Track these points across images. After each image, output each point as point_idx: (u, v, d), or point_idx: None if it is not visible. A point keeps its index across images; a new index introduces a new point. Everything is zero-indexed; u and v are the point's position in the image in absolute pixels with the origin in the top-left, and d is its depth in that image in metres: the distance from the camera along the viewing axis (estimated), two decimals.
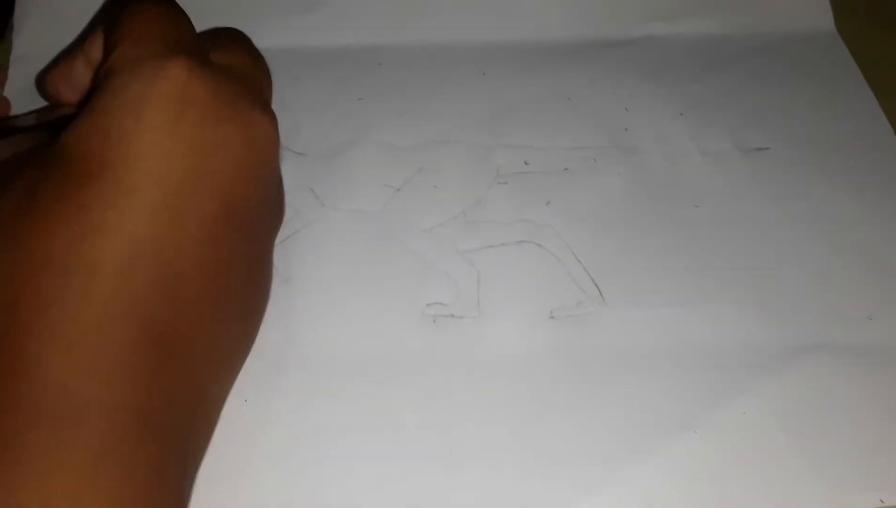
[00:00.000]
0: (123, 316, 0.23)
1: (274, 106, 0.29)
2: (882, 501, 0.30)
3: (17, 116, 0.26)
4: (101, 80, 0.26)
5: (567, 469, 0.30)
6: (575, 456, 0.31)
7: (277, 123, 0.28)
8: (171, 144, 0.24)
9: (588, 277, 0.36)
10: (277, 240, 0.31)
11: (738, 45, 0.47)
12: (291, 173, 0.35)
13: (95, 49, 0.29)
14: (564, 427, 0.32)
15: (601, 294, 0.35)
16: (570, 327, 0.34)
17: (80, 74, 0.30)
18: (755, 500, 0.30)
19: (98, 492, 0.21)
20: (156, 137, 0.24)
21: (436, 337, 0.34)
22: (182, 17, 0.28)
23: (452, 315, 0.34)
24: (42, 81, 0.32)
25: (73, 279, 0.22)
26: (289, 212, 0.32)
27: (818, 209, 0.40)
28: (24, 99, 0.41)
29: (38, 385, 0.21)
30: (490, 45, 0.46)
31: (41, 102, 0.40)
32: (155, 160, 0.24)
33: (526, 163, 0.41)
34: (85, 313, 0.22)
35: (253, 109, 0.27)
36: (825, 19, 0.48)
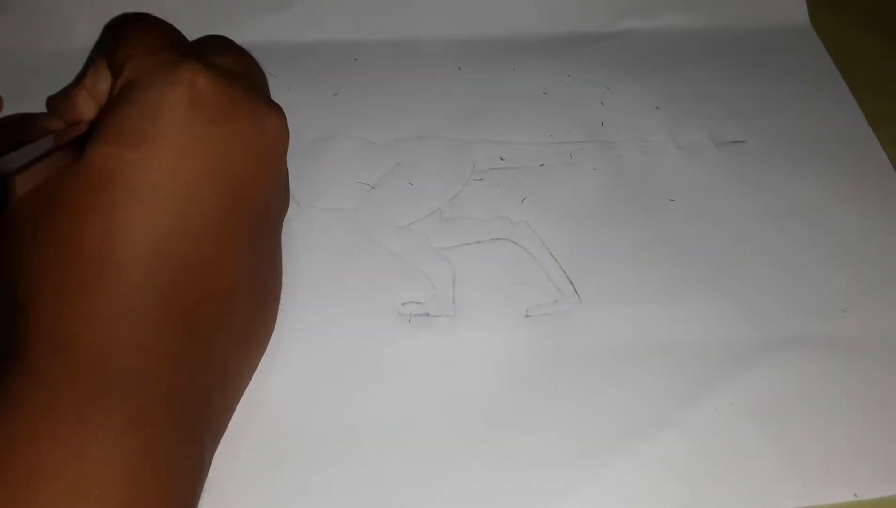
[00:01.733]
0: (150, 301, 0.26)
1: None
2: (855, 495, 0.30)
3: (35, 141, 0.28)
4: (118, 92, 0.27)
5: (543, 469, 0.30)
6: (551, 455, 0.31)
7: (286, 117, 0.30)
8: (188, 143, 0.27)
9: (563, 275, 0.36)
10: None
11: (714, 40, 0.47)
12: None
13: (99, 79, 0.31)
14: (540, 427, 0.32)
15: (576, 292, 0.35)
16: (545, 326, 0.34)
17: (83, 104, 0.31)
18: (730, 496, 0.30)
19: (131, 451, 0.24)
20: (173, 138, 0.26)
21: (411, 337, 0.34)
22: (176, 31, 0.30)
23: (428, 314, 0.34)
24: (49, 106, 0.34)
25: (105, 270, 0.25)
26: None
27: (793, 202, 0.40)
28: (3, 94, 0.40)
29: (75, 358, 0.24)
30: (466, 40, 0.46)
31: (23, 99, 0.40)
32: (173, 159, 0.26)
33: (502, 159, 0.40)
34: (116, 297, 0.25)
35: (262, 105, 0.29)
36: (800, 14, 0.49)
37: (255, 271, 0.30)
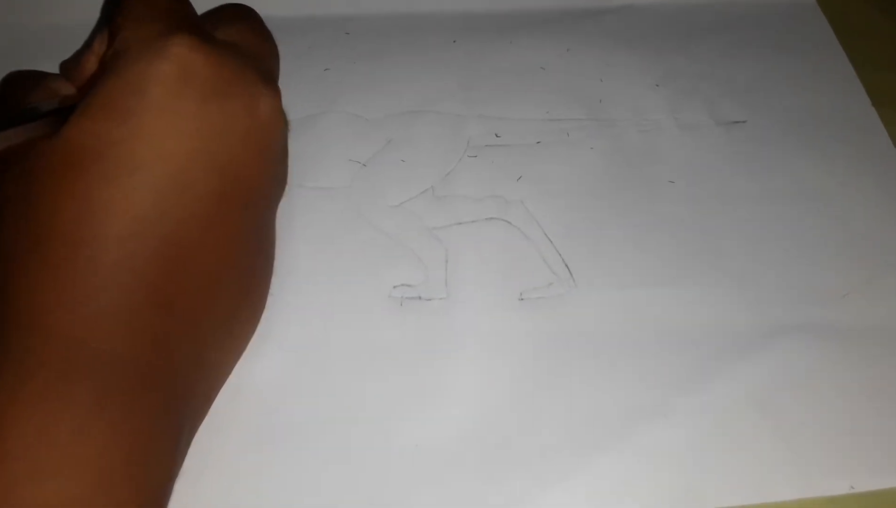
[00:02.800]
0: (128, 282, 0.25)
1: None
2: (852, 487, 0.30)
3: (40, 103, 0.27)
4: (105, 63, 0.26)
5: (538, 456, 0.30)
6: (546, 443, 0.30)
7: (281, 97, 0.29)
8: (175, 121, 0.25)
9: (559, 257, 0.35)
10: None
11: (717, 16, 0.46)
12: None
13: (104, 43, 0.29)
14: (534, 413, 0.31)
15: (572, 275, 0.35)
16: (539, 309, 0.34)
17: (90, 68, 0.30)
18: (726, 486, 0.30)
19: (97, 435, 0.23)
20: (159, 115, 0.25)
21: (402, 321, 0.33)
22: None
23: (420, 297, 0.34)
24: (62, 70, 0.32)
25: (80, 250, 0.24)
26: None
27: (795, 184, 0.39)
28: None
29: (45, 337, 0.24)
30: (461, 14, 0.45)
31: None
32: (158, 138, 0.25)
33: (497, 135, 0.40)
34: (91, 278, 0.24)
35: (256, 84, 0.28)
36: None
37: (244, 255, 0.29)
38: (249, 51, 0.29)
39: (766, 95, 0.42)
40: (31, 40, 0.41)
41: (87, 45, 0.31)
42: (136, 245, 0.25)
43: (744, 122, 0.41)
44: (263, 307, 0.31)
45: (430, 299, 0.34)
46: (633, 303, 0.34)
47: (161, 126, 0.25)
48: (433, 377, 0.32)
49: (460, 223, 0.36)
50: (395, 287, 0.34)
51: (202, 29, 0.28)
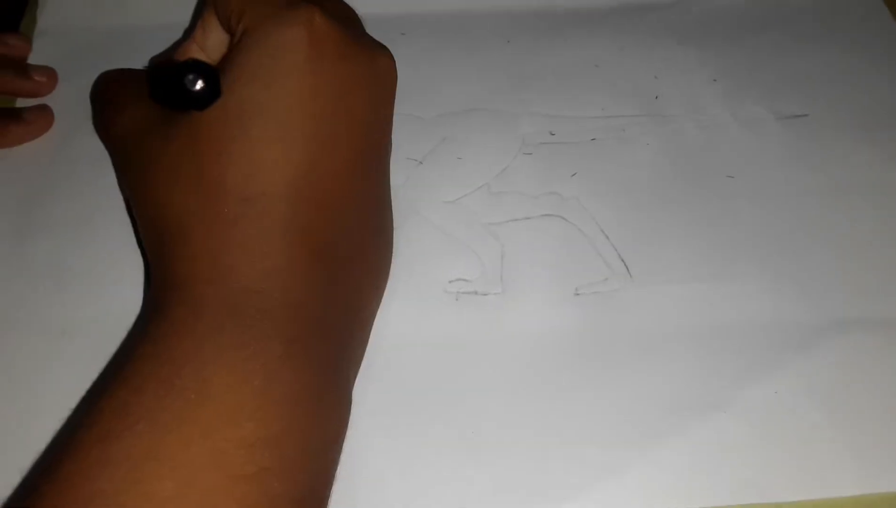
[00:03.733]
0: (294, 234, 0.27)
1: None
2: None
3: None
4: (238, 39, 0.28)
5: (592, 449, 0.30)
6: (600, 436, 0.30)
7: (394, 58, 0.31)
8: (316, 82, 0.27)
9: (615, 252, 0.35)
10: None
11: (775, 8, 0.45)
12: None
13: (209, 31, 0.31)
14: (589, 407, 0.31)
15: (628, 270, 0.34)
16: (595, 304, 0.34)
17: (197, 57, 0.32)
18: (786, 482, 0.29)
19: (286, 381, 0.24)
20: (302, 78, 0.27)
21: (458, 315, 0.33)
22: None
23: (475, 292, 0.34)
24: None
25: (252, 206, 0.26)
26: None
27: (857, 179, 0.38)
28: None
29: (233, 289, 0.25)
30: (515, 12, 0.45)
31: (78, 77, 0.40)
32: (304, 98, 0.27)
33: (552, 133, 0.39)
34: (264, 232, 0.26)
35: (374, 46, 0.30)
36: None
37: (382, 207, 0.31)
38: (352, 18, 0.31)
39: (827, 89, 0.42)
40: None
41: (186, 36, 0.32)
42: (298, 199, 0.27)
43: (805, 115, 0.40)
44: (390, 265, 0.32)
45: (486, 294, 0.34)
46: (689, 298, 0.34)
47: (305, 88, 0.27)
48: (488, 370, 0.32)
49: (516, 220, 0.36)
50: (451, 282, 0.34)
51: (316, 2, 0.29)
